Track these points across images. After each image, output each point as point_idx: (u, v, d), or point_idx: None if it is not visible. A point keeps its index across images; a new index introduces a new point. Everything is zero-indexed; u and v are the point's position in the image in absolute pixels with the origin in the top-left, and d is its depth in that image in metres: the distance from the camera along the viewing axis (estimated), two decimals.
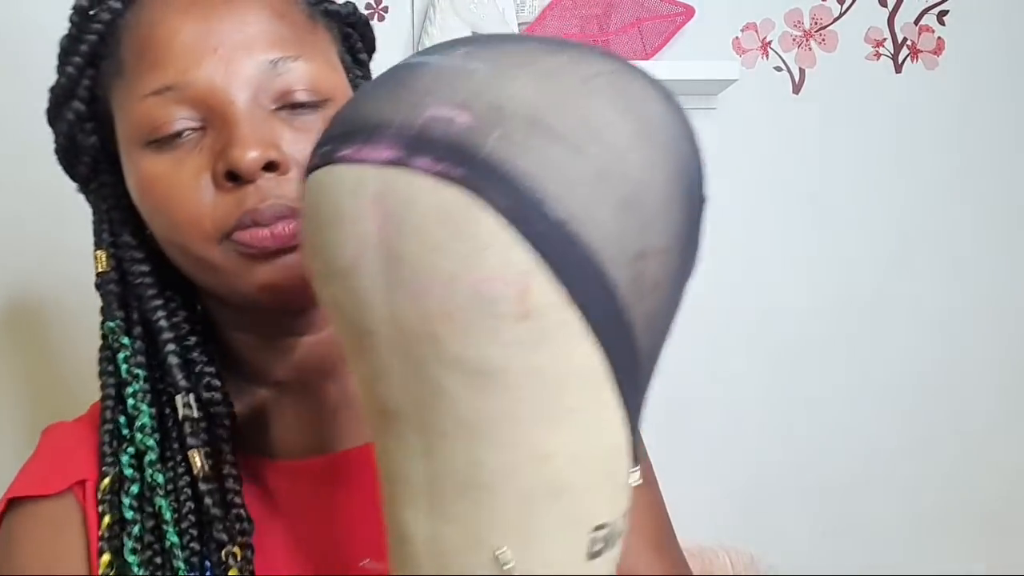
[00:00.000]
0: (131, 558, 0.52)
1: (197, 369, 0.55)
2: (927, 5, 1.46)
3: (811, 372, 1.45)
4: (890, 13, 1.45)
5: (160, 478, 0.53)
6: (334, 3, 0.58)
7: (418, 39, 1.35)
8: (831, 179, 1.45)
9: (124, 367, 0.55)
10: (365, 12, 1.35)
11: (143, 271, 0.55)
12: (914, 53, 1.46)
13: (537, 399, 0.34)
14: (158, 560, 0.52)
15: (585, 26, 1.36)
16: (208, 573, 0.52)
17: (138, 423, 0.54)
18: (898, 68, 1.46)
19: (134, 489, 0.53)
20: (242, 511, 0.53)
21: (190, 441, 0.53)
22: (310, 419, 0.59)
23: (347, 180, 0.34)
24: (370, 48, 0.64)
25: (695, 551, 1.29)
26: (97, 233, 0.57)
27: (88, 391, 0.60)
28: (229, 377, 0.57)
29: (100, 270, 0.57)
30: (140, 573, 0.51)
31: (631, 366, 0.35)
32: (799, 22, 1.44)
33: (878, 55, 1.46)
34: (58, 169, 0.60)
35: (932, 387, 1.47)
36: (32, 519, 0.54)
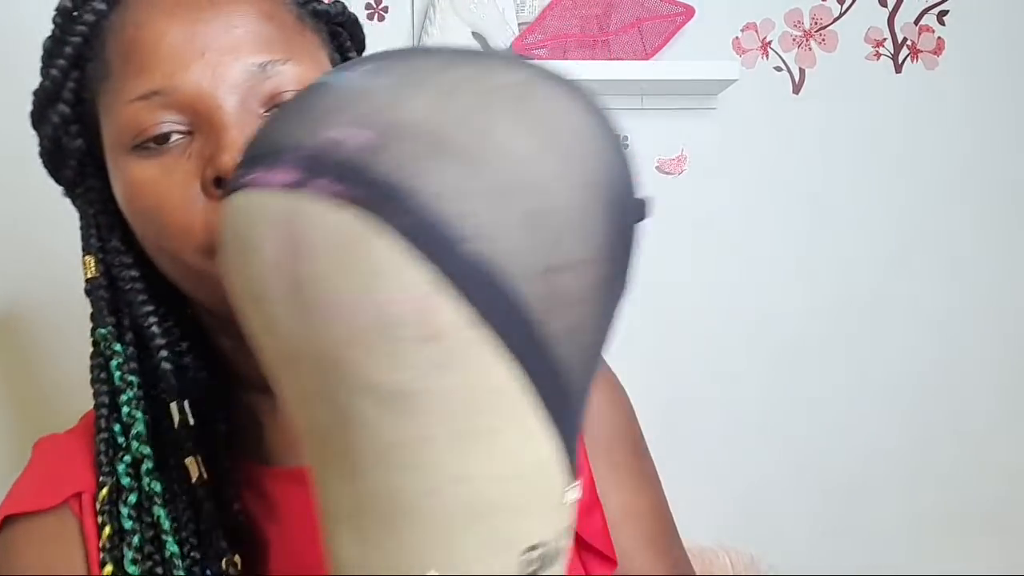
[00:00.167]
0: (132, 568, 0.51)
1: (190, 375, 0.54)
2: (927, 5, 1.46)
3: (811, 372, 1.45)
4: (890, 13, 1.45)
5: (158, 487, 0.52)
6: (322, 3, 0.58)
7: (418, 39, 1.35)
8: (831, 179, 1.45)
9: (117, 374, 0.54)
10: (365, 12, 1.36)
11: (133, 276, 0.54)
12: (914, 53, 1.46)
13: (453, 421, 0.33)
14: (159, 570, 0.51)
15: (585, 26, 1.36)
16: None
17: (133, 431, 0.53)
18: (898, 68, 1.46)
19: (132, 498, 0.52)
20: (241, 518, 0.52)
21: (186, 448, 0.52)
22: None
23: (252, 205, 0.34)
24: (360, 47, 0.63)
25: (695, 551, 1.29)
26: (85, 238, 0.56)
27: (78, 400, 0.60)
28: (223, 383, 0.56)
29: (89, 276, 0.56)
30: None
31: (554, 382, 0.35)
32: (799, 22, 1.44)
33: (878, 55, 1.46)
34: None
35: (932, 387, 1.47)
36: (29, 535, 0.54)
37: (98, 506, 0.53)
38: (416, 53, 0.37)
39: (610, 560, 0.59)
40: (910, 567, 1.43)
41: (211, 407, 0.54)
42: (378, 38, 1.37)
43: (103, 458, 0.53)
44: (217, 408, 0.54)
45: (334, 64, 0.57)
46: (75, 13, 0.53)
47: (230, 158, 0.46)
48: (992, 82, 1.46)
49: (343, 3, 0.60)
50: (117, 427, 0.54)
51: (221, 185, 0.47)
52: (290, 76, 0.50)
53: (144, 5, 0.51)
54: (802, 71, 1.45)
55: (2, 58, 1.16)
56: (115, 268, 0.55)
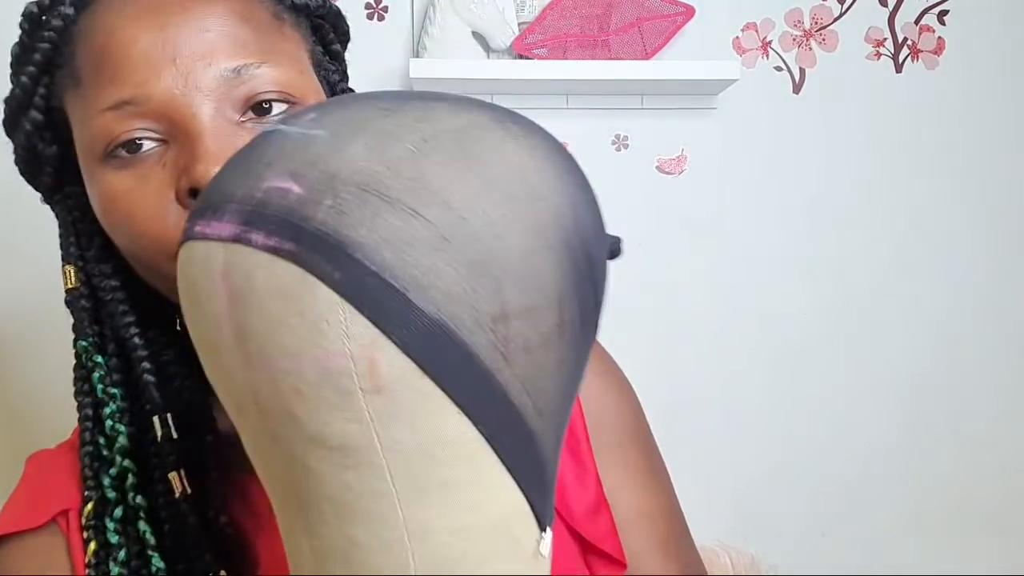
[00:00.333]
0: None
1: (175, 384, 0.52)
2: (927, 5, 1.46)
3: (811, 372, 1.45)
4: (890, 13, 1.45)
5: (142, 501, 0.51)
6: None
7: (418, 39, 1.35)
8: (831, 179, 1.45)
9: (99, 387, 0.52)
10: (365, 12, 1.36)
11: (113, 286, 0.53)
12: (914, 53, 1.46)
13: (405, 474, 0.33)
14: None
15: (585, 26, 1.36)
16: None
17: (117, 445, 0.51)
18: (898, 68, 1.46)
19: (118, 513, 0.51)
20: (228, 531, 0.51)
21: (169, 463, 0.51)
22: None
23: (199, 256, 0.34)
24: (343, 39, 0.61)
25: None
26: (64, 247, 0.55)
27: (73, 413, 0.58)
28: (211, 392, 0.55)
29: (69, 286, 0.54)
30: None
31: (514, 431, 0.34)
32: (799, 22, 1.44)
33: (878, 55, 1.46)
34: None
35: (932, 387, 1.47)
36: (16, 556, 0.52)
37: (83, 521, 0.52)
38: (356, 101, 0.36)
39: (618, 562, 0.57)
40: (910, 567, 1.43)
41: (197, 418, 0.52)
42: (378, 38, 1.37)
43: (88, 471, 0.52)
44: (203, 419, 0.52)
45: (315, 59, 0.56)
46: (43, 18, 0.51)
47: (204, 168, 0.45)
48: (992, 82, 1.46)
49: None
50: (102, 440, 0.52)
51: (195, 196, 0.46)
52: (266, 79, 0.49)
53: (113, 10, 0.49)
54: (802, 71, 1.45)
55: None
56: (95, 278, 0.54)
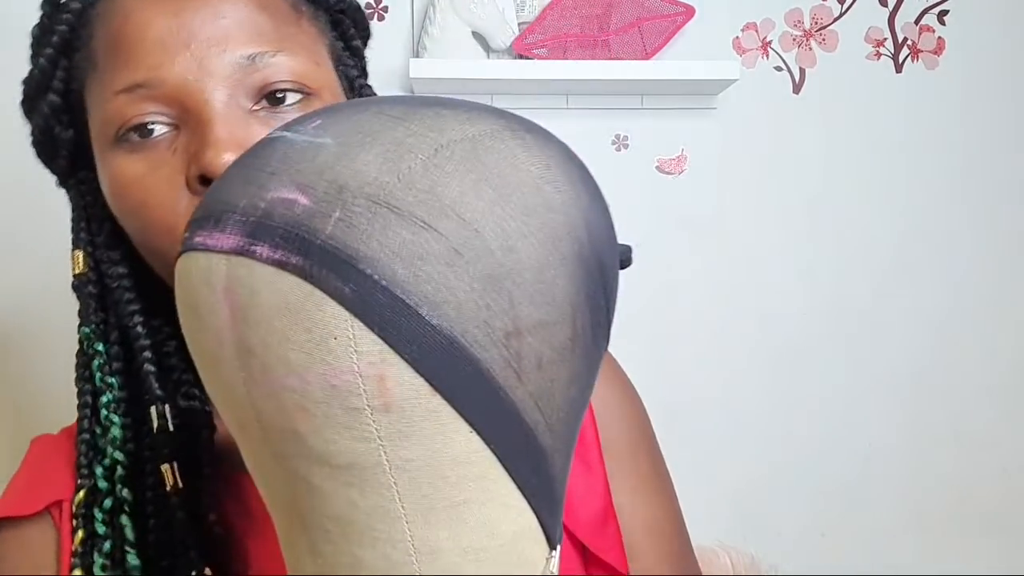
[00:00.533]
0: (100, 575, 0.49)
1: (175, 377, 0.52)
2: (927, 5, 1.46)
3: (811, 372, 1.45)
4: (890, 13, 1.45)
5: (128, 494, 0.50)
6: None
7: (418, 39, 1.35)
8: (831, 179, 1.45)
9: (98, 376, 0.52)
10: (365, 12, 1.36)
11: (120, 273, 0.52)
12: (914, 53, 1.46)
13: (414, 493, 0.32)
14: None
15: (585, 26, 1.36)
16: None
17: (109, 435, 0.51)
18: (898, 68, 1.46)
19: (107, 504, 0.50)
20: (217, 529, 0.50)
21: (163, 455, 0.50)
22: None
23: (200, 269, 0.32)
24: (364, 35, 0.60)
25: (695, 551, 1.29)
26: (75, 232, 0.54)
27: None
28: None
29: (77, 271, 0.54)
30: None
31: (525, 449, 0.33)
32: (799, 22, 1.44)
33: (878, 55, 1.46)
34: (43, 173, 0.58)
35: (932, 387, 1.47)
36: (8, 542, 0.52)
37: (74, 508, 0.51)
38: (366, 106, 0.35)
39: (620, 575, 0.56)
40: (910, 567, 1.43)
41: (195, 413, 0.52)
42: (378, 38, 1.36)
43: (83, 459, 0.52)
44: (202, 414, 0.52)
45: (335, 54, 0.55)
46: (62, 1, 0.51)
47: (214, 155, 0.45)
48: (992, 82, 1.46)
49: None
50: (99, 429, 0.52)
51: (206, 183, 0.45)
52: (281, 68, 0.48)
53: None
54: (802, 71, 1.45)
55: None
56: (104, 264, 0.53)
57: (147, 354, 0.51)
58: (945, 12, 1.46)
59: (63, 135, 0.53)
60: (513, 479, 0.33)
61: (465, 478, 0.32)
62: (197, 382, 0.51)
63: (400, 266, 0.30)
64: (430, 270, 0.30)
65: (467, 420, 0.31)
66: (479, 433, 0.32)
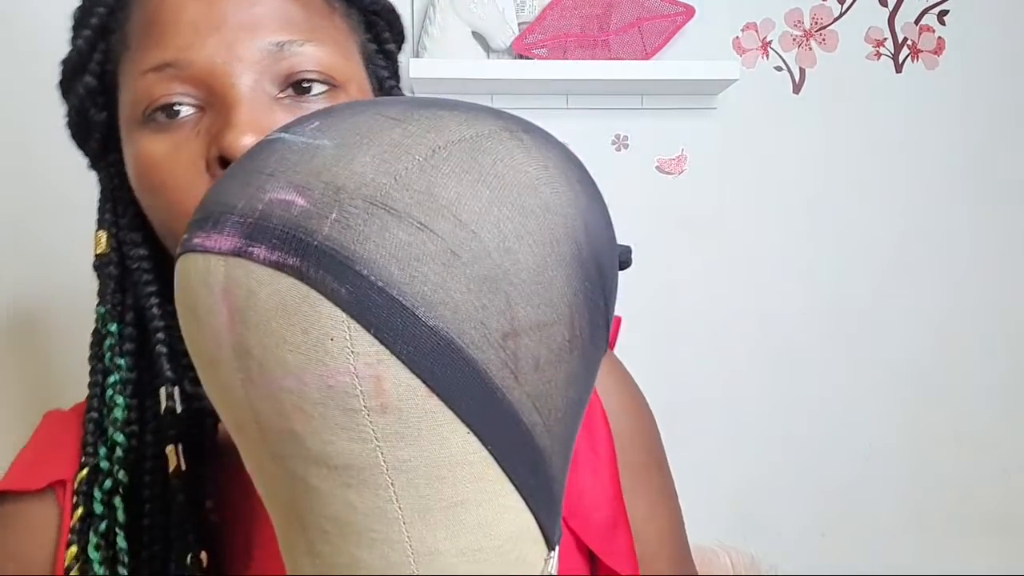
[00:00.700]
0: (94, 555, 0.49)
1: (185, 362, 0.52)
2: (927, 5, 1.46)
3: (811, 372, 1.45)
4: (890, 13, 1.45)
5: (123, 476, 0.51)
6: None
7: (418, 39, 1.35)
8: (831, 179, 1.45)
9: (108, 355, 0.53)
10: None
11: (141, 255, 0.53)
12: (914, 53, 1.46)
13: (411, 494, 0.32)
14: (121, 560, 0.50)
15: (585, 26, 1.36)
16: None
17: (111, 416, 0.52)
18: (898, 68, 1.46)
19: (107, 484, 0.51)
20: (214, 516, 0.50)
21: (168, 436, 0.50)
22: None
23: (199, 270, 0.33)
24: (399, 38, 0.60)
25: (695, 551, 1.29)
26: (100, 212, 0.55)
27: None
28: None
29: (99, 251, 0.55)
30: (100, 572, 0.49)
31: (523, 449, 0.33)
32: (799, 22, 1.44)
33: (878, 55, 1.46)
34: (57, 165, 0.58)
35: (932, 387, 1.47)
36: (9, 516, 0.53)
37: (75, 486, 0.52)
38: (364, 108, 0.35)
39: None
40: (910, 567, 1.43)
41: (203, 399, 0.52)
42: None
43: (89, 438, 0.52)
44: (209, 401, 0.53)
45: (366, 53, 0.56)
46: None
47: (234, 136, 0.45)
48: (992, 82, 1.46)
49: None
50: (105, 410, 0.53)
51: (226, 166, 0.46)
52: (309, 58, 0.49)
53: None
54: (802, 71, 1.45)
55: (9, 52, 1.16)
56: (126, 246, 0.54)
57: (161, 335, 0.52)
58: (945, 12, 1.46)
59: (96, 117, 0.54)
60: (511, 480, 0.33)
61: (462, 479, 0.32)
62: None
63: (396, 267, 0.30)
64: (426, 271, 0.30)
65: (464, 421, 0.31)
66: (476, 434, 0.32)
